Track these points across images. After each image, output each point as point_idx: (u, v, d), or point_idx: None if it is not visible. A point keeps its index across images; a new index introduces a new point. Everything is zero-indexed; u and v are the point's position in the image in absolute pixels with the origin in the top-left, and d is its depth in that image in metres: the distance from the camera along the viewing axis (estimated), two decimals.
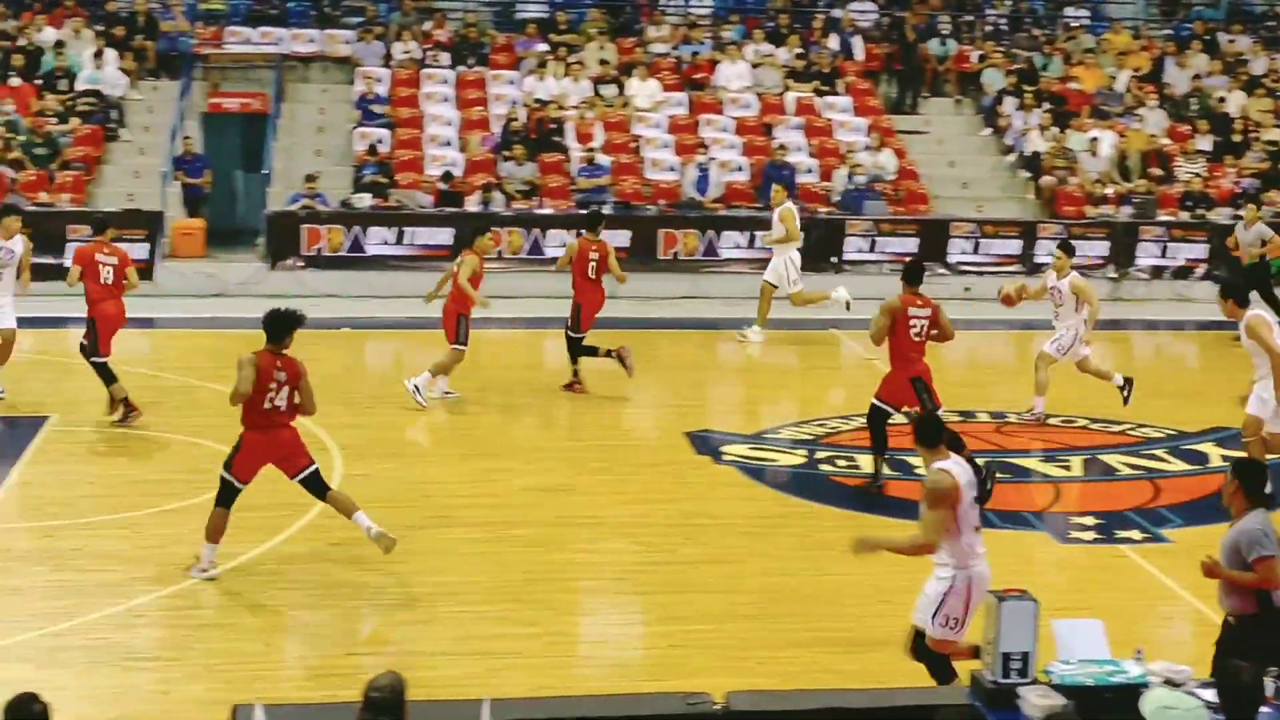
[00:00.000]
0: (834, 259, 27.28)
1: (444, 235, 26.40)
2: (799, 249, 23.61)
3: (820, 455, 17.11)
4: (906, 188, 28.72)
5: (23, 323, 18.24)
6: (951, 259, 27.77)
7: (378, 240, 26.57)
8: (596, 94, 29.84)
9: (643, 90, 29.93)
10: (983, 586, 9.85)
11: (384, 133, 28.71)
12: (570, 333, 19.70)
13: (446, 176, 27.38)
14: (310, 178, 27.04)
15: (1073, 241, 25.84)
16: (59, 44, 29.35)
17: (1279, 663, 8.79)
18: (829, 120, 30.22)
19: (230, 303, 24.92)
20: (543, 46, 30.79)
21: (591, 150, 28.39)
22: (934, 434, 10.03)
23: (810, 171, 28.88)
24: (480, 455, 16.80)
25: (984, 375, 22.51)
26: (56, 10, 30.76)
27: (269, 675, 10.92)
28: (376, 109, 29.18)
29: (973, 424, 18.60)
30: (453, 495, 15.37)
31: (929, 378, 15.32)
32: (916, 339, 15.23)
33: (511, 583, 13.01)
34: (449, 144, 28.92)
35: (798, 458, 17.03)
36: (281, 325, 12.67)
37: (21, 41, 29.67)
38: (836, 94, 30.82)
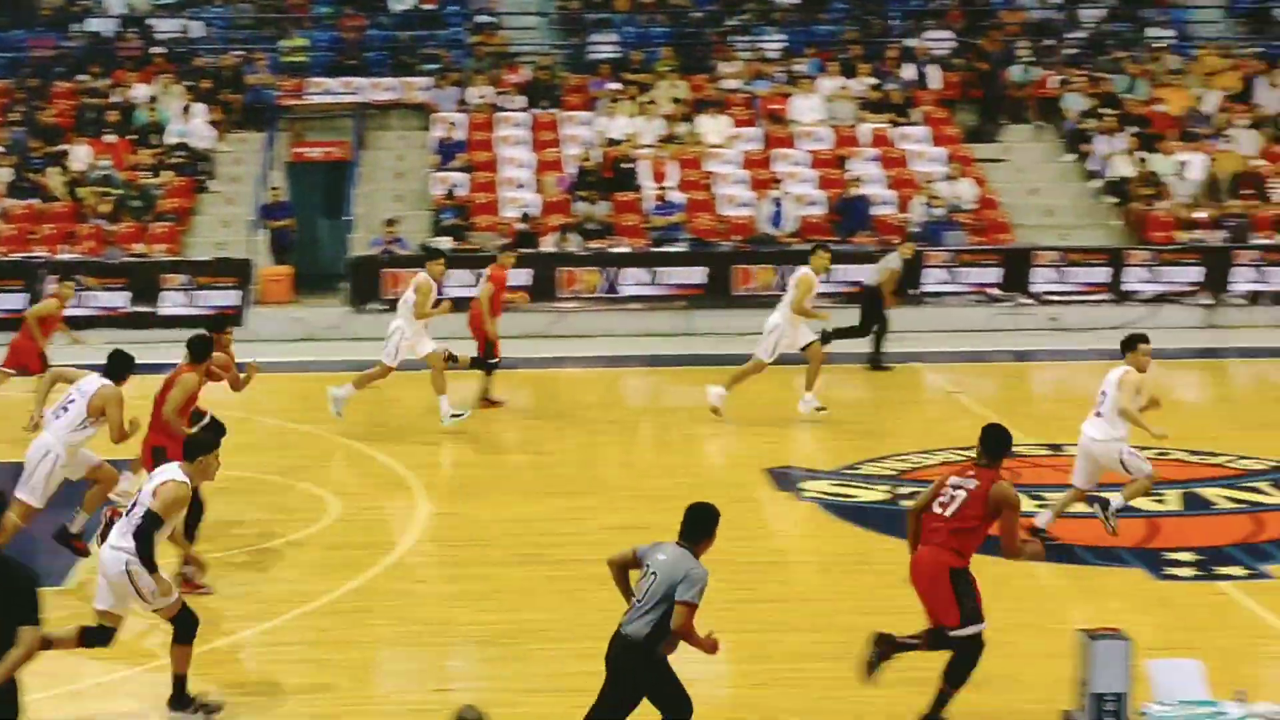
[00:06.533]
0: (913, 290, 27.07)
1: (522, 276, 26.38)
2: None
3: (903, 491, 16.88)
4: (987, 217, 28.51)
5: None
6: (1035, 288, 27.48)
7: (456, 283, 26.57)
8: (669, 132, 29.81)
9: (715, 126, 29.92)
10: None
11: (461, 176, 28.85)
12: None
13: (524, 218, 27.45)
14: (390, 222, 27.20)
15: (1163, 267, 25.74)
16: (151, 99, 29.83)
17: None
18: (905, 151, 30.07)
19: (318, 346, 25.26)
20: (615, 86, 30.84)
21: (665, 188, 28.36)
22: None
23: (887, 203, 28.71)
24: (562, 494, 16.76)
25: (1072, 408, 22.18)
26: (147, 67, 31.22)
27: (359, 710, 10.95)
28: (453, 153, 29.31)
29: (1061, 457, 18.36)
30: (537, 533, 15.34)
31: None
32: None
33: (597, 621, 12.88)
34: (525, 186, 28.99)
35: (880, 493, 16.84)
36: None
37: (115, 98, 30.13)
38: (912, 124, 30.67)
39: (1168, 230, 28.34)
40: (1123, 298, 27.24)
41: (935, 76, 31.87)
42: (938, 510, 10.74)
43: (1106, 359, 24.39)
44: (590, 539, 15.17)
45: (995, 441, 10.82)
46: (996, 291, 27.15)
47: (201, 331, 14.50)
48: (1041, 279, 27.55)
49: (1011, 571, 14.31)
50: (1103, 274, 27.64)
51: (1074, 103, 31.13)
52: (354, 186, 29.05)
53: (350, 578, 13.80)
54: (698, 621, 9.38)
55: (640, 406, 20.87)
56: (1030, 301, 27.31)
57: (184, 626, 10.88)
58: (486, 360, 20.67)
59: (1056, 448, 18.75)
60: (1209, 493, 16.95)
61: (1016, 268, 27.33)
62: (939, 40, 32.94)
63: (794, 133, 30.27)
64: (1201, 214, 28.44)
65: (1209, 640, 12.09)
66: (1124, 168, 29.36)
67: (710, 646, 9.59)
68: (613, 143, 29.23)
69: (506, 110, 30.72)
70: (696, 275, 27.08)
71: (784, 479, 17.38)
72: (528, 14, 33.69)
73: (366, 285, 26.67)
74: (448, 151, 29.41)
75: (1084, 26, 34.14)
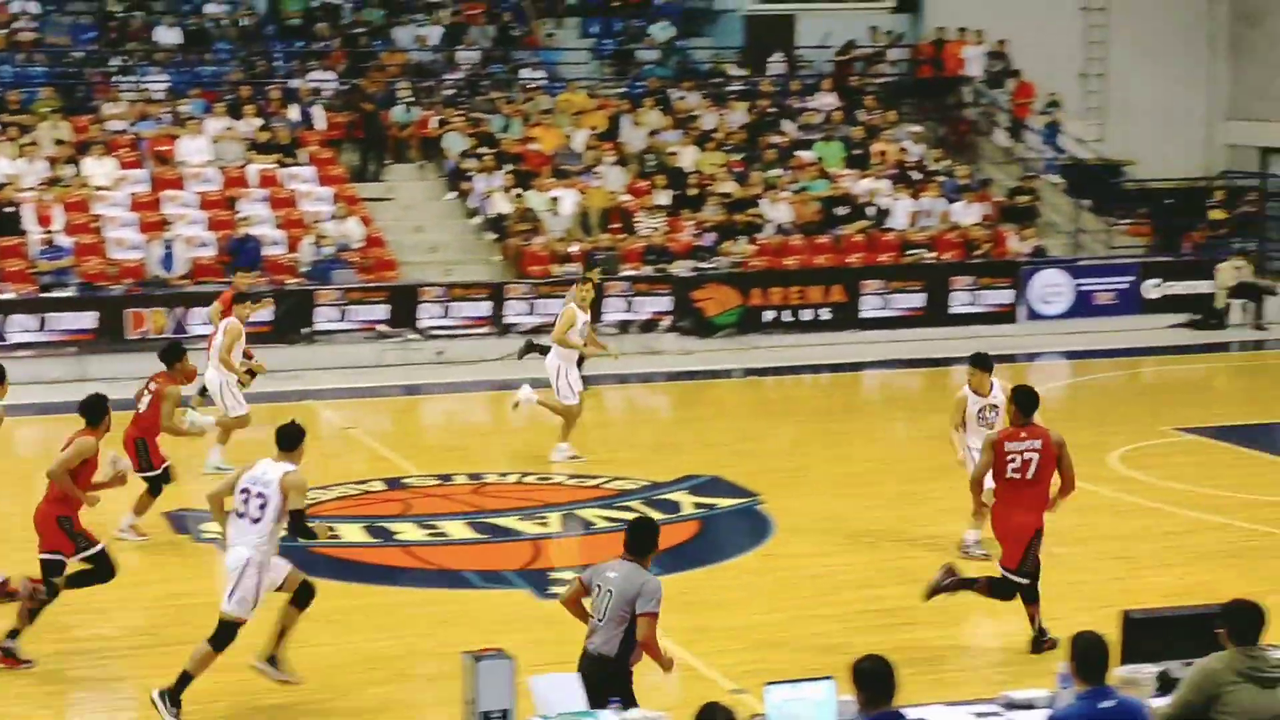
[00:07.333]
0: (304, 330, 27.61)
1: None
2: None
3: None
4: (374, 255, 29.27)
5: None
6: (422, 323, 28.34)
7: None
8: (54, 174, 29.30)
9: (101, 168, 29.57)
10: None
11: None
12: None
13: None
14: None
15: (541, 300, 27.27)
16: None
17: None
18: (293, 191, 30.49)
19: None
20: None
21: (51, 232, 27.90)
22: None
23: (277, 243, 29.09)
24: None
25: (460, 438, 23.20)
26: None
27: None
28: None
29: (451, 486, 19.25)
30: None
31: None
32: None
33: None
34: None
35: None
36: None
37: None
38: (299, 164, 31.12)
39: (544, 264, 29.73)
40: (504, 330, 28.43)
41: (320, 117, 32.42)
42: (1016, 477, 12.79)
43: (491, 389, 25.72)
44: None
45: (1028, 399, 13.02)
46: (385, 328, 27.97)
47: (98, 393, 14.08)
48: (427, 315, 28.43)
49: (404, 600, 15.10)
50: (485, 308, 28.75)
51: (454, 142, 32.24)
52: None
53: None
54: None
55: (32, 456, 20.53)
56: (417, 337, 28.18)
57: (222, 636, 11.94)
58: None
59: (446, 478, 19.64)
60: (588, 513, 18.14)
61: (404, 304, 28.15)
62: (322, 81, 33.52)
63: (182, 174, 30.21)
64: (574, 248, 29.96)
65: None
66: (502, 204, 30.63)
67: (668, 663, 10.33)
68: None
69: None
70: (87, 320, 26.77)
71: (180, 522, 17.60)
72: None
73: None
74: None
75: (461, 68, 35.34)
